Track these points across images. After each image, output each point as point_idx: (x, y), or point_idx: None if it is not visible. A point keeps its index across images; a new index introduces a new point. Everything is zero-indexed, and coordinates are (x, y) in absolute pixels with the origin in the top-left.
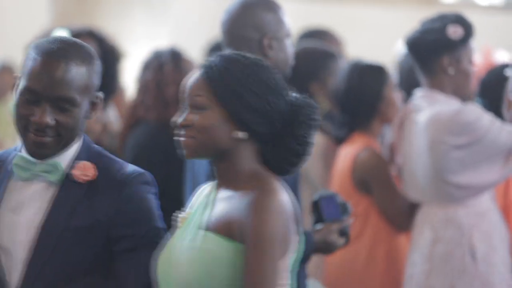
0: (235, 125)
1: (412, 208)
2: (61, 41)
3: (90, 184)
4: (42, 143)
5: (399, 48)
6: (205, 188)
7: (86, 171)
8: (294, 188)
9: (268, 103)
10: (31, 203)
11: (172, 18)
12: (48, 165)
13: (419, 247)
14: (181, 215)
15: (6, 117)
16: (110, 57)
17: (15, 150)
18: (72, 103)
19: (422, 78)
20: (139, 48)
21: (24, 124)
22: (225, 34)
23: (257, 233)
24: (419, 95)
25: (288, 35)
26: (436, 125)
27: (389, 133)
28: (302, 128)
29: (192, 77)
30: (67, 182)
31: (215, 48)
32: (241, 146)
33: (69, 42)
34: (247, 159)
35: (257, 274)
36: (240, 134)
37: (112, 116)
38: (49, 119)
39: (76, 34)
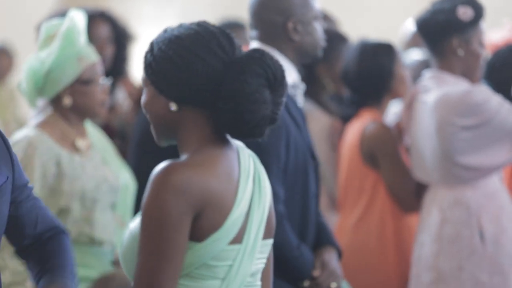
0: (166, 98)
1: (420, 189)
2: None
3: None
4: None
5: (408, 28)
6: None
7: None
8: (305, 172)
9: (190, 71)
10: None
11: None
12: None
13: (427, 228)
14: None
15: (6, 100)
16: (122, 39)
17: None
18: None
19: (431, 59)
20: (147, 29)
21: None
22: (251, 17)
23: (142, 208)
24: (428, 76)
25: (316, 17)
26: (445, 106)
27: (391, 112)
28: (236, 85)
29: None
30: None
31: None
32: (184, 117)
33: None
34: (194, 129)
35: (139, 251)
36: (172, 106)
37: (121, 98)
38: None
39: (89, 16)
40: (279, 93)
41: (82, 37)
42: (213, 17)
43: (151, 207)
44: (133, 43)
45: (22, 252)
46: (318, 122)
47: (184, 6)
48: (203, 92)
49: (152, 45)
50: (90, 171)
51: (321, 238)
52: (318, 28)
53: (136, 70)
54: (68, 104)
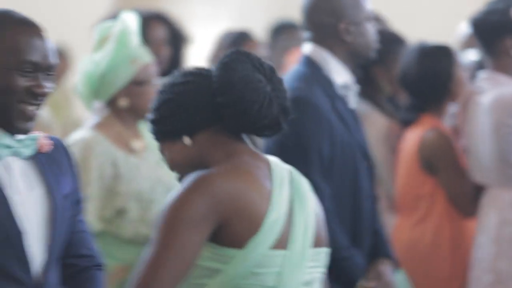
0: (178, 139)
1: (477, 191)
2: (16, 12)
3: (50, 153)
4: (34, 115)
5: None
6: None
7: (44, 141)
8: (354, 172)
9: (182, 100)
10: (25, 180)
11: None
12: (30, 139)
13: (486, 230)
14: None
15: (62, 102)
16: (178, 41)
17: None
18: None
19: (486, 60)
20: (200, 29)
21: (20, 94)
22: (303, 19)
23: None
24: (483, 77)
25: (368, 18)
26: (500, 108)
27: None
28: (225, 78)
29: None
30: (36, 154)
31: (277, 29)
32: (202, 144)
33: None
34: (215, 148)
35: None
36: (186, 141)
37: None
38: (46, 88)
39: (145, 18)
40: (275, 80)
41: (135, 39)
42: (267, 18)
43: (175, 202)
44: (189, 44)
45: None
46: (375, 124)
47: (237, 6)
48: (203, 109)
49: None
50: (145, 172)
51: (378, 249)
52: (370, 29)
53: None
54: (124, 106)
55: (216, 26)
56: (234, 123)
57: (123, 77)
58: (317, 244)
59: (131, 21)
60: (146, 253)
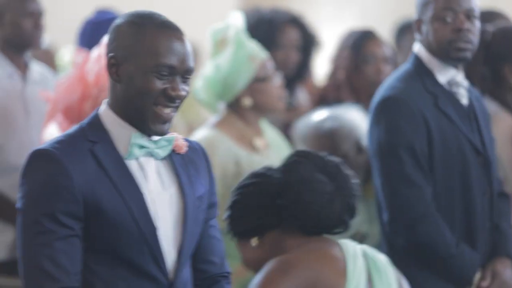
0: (247, 241)
1: None
2: (159, 14)
3: (186, 155)
4: (170, 118)
5: None
6: None
7: (180, 142)
8: (463, 168)
9: (246, 203)
10: (159, 180)
11: None
12: (166, 140)
13: None
14: None
15: (190, 101)
16: (309, 46)
17: (94, 129)
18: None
19: None
20: (325, 30)
21: (156, 97)
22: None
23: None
24: None
25: (436, 18)
26: None
27: None
28: (306, 183)
29: None
30: (172, 154)
31: (401, 29)
32: (273, 244)
33: (168, 18)
34: (285, 246)
35: None
36: (253, 242)
37: (302, 98)
38: (184, 93)
39: (281, 20)
40: (340, 178)
41: (247, 37)
42: (392, 17)
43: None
44: (319, 48)
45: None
46: (502, 123)
47: (362, 7)
48: (267, 210)
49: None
50: None
51: (497, 247)
52: (439, 28)
53: (316, 69)
54: (248, 105)
55: (340, 26)
56: (296, 224)
57: (245, 76)
58: None
59: (239, 20)
60: None
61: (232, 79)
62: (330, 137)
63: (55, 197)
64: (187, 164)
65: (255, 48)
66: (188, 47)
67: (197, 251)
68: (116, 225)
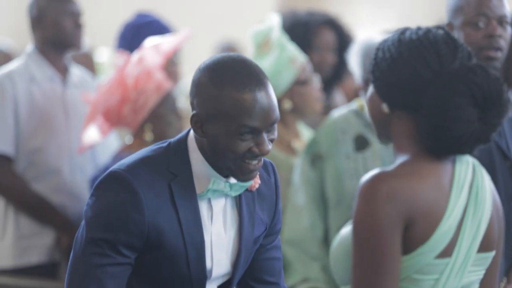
0: (380, 99)
1: None
2: (246, 66)
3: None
4: (258, 167)
5: None
6: None
7: (254, 181)
8: (490, 172)
9: (399, 75)
10: (222, 221)
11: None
12: (241, 186)
13: None
14: None
15: None
16: (345, 47)
17: (178, 158)
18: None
19: None
20: (364, 30)
21: (242, 155)
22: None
23: (353, 219)
24: None
25: (468, 23)
26: None
27: None
28: (438, 100)
29: None
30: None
31: None
32: (395, 121)
33: (251, 64)
34: (404, 135)
35: (355, 264)
36: (384, 108)
37: (339, 100)
38: (270, 146)
39: (316, 22)
40: (493, 113)
41: (288, 40)
42: (431, 18)
43: (362, 218)
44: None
45: None
46: None
47: (401, 7)
48: (409, 98)
49: (384, 42)
50: None
51: None
52: (469, 34)
53: (352, 71)
54: (288, 108)
55: (377, 28)
56: (424, 136)
57: (287, 78)
58: (484, 248)
59: (277, 22)
60: (355, 276)
61: (274, 82)
62: None
63: (122, 228)
64: (254, 199)
65: (295, 51)
66: (272, 97)
67: (252, 271)
68: (170, 265)
